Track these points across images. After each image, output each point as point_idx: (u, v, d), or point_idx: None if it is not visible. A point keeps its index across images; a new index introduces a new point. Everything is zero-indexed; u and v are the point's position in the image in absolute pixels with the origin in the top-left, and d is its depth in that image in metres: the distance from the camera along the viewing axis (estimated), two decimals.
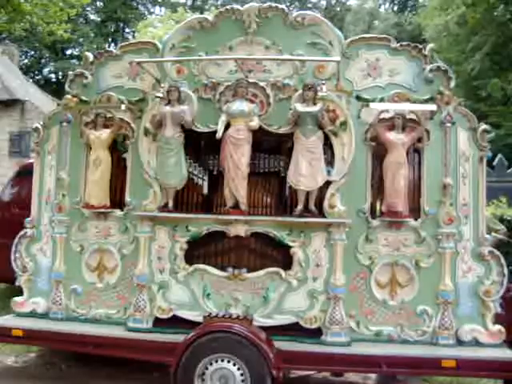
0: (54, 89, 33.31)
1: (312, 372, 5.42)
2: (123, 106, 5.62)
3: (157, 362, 5.34)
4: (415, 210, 5.25)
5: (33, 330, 5.41)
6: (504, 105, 20.22)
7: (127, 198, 5.61)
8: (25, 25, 15.11)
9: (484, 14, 19.59)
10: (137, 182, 5.57)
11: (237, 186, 5.19)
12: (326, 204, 5.18)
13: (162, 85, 5.47)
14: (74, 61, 34.49)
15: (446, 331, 5.04)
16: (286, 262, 5.26)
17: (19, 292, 5.89)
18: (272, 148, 5.77)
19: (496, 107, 20.08)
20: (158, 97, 5.44)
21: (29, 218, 5.89)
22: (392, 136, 5.18)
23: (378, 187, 5.34)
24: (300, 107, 5.11)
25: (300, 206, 5.18)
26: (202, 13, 25.61)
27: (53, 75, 38.64)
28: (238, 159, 5.16)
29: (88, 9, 36.32)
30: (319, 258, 5.18)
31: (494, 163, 12.91)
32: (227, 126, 5.25)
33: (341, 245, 5.14)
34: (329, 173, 5.19)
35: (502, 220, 8.57)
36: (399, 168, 5.10)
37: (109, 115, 5.69)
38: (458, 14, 20.00)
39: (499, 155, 13.27)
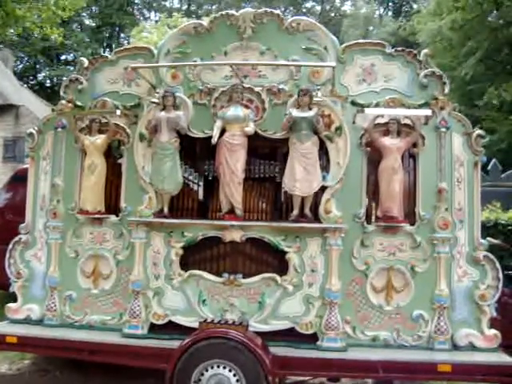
0: (49, 94, 33.27)
1: (308, 378, 5.40)
2: (118, 112, 5.62)
3: (152, 369, 5.30)
4: (410, 215, 5.27)
5: (27, 337, 5.36)
6: (498, 110, 20.32)
7: (122, 204, 5.59)
8: (18, 30, 15.06)
9: (477, 19, 19.69)
10: (132, 187, 5.55)
11: (232, 191, 5.19)
12: (321, 209, 5.17)
13: (158, 90, 5.48)
14: (69, 66, 34.42)
15: (441, 336, 5.04)
16: (282, 268, 5.24)
17: (13, 298, 5.85)
18: (267, 153, 5.78)
19: (491, 112, 20.19)
20: (154, 102, 5.45)
21: (23, 224, 5.87)
22: (387, 141, 5.19)
23: (374, 192, 5.35)
24: (295, 112, 5.12)
25: (295, 212, 5.18)
26: (197, 18, 25.60)
27: (47, 80, 38.58)
28: (233, 164, 5.16)
29: (83, 14, 36.31)
30: (315, 263, 5.17)
31: (489, 168, 13.00)
32: (222, 132, 5.24)
33: (336, 250, 5.13)
34: (324, 178, 5.19)
35: (496, 224, 8.62)
36: (394, 173, 5.10)
37: (104, 121, 5.68)
38: (451, 18, 20.07)
39: (493, 160, 13.36)
